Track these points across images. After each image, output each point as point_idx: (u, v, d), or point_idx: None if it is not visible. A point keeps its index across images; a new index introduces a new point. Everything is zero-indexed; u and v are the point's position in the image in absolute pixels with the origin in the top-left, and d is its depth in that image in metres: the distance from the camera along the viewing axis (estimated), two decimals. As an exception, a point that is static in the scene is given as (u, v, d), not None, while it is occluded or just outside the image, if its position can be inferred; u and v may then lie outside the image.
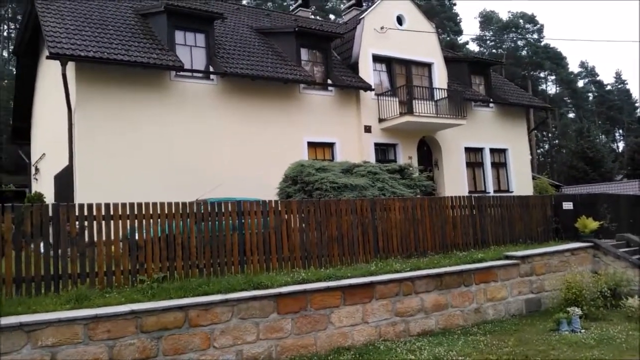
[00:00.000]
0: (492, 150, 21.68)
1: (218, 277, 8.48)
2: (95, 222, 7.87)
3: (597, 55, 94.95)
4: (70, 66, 13.48)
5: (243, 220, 9.02)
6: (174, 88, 14.75)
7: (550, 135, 67.46)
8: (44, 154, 18.30)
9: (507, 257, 11.06)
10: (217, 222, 8.74)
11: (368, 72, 18.14)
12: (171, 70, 14.38)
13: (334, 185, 12.21)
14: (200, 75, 15.21)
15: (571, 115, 71.48)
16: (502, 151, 22.08)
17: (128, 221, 8.06)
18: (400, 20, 19.46)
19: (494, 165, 21.73)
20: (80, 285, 7.53)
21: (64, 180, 14.22)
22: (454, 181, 19.91)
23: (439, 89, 19.32)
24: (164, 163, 14.12)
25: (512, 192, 21.36)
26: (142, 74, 14.16)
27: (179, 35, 15.12)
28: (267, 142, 15.80)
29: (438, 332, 9.41)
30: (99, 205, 7.92)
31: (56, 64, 13.06)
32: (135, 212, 8.14)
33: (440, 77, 20.00)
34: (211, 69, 15.20)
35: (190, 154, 14.56)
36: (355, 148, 17.54)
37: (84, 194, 12.58)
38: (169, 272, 8.25)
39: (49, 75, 16.14)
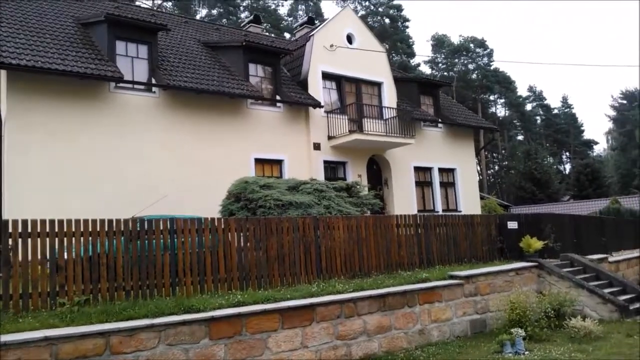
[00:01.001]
0: (441, 170, 21.81)
1: (147, 300, 7.94)
2: (10, 240, 7.23)
3: (544, 79, 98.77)
4: (2, 75, 12.73)
5: (176, 239, 8.52)
6: (114, 100, 14.12)
7: (499, 156, 69.22)
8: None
9: (452, 277, 10.90)
10: (146, 241, 8.21)
11: (317, 89, 17.98)
12: (110, 81, 13.77)
13: (278, 202, 11.84)
14: (142, 87, 14.64)
15: (520, 137, 73.64)
16: (451, 171, 22.26)
17: (47, 239, 7.44)
18: (350, 39, 19.45)
19: (443, 184, 21.86)
20: (-10, 309, 6.86)
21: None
22: (403, 200, 19.87)
23: (388, 107, 19.34)
24: (103, 178, 13.43)
25: (460, 211, 21.47)
26: (80, 85, 13.49)
27: (120, 46, 14.55)
28: (213, 157, 15.31)
29: (381, 355, 9.09)
30: (15, 222, 7.28)
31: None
32: (56, 230, 7.53)
33: (389, 97, 20.05)
34: (153, 81, 14.66)
35: (131, 169, 13.91)
36: (304, 165, 17.25)
37: (12, 212, 11.71)
38: (93, 295, 7.66)
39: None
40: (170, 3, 47.23)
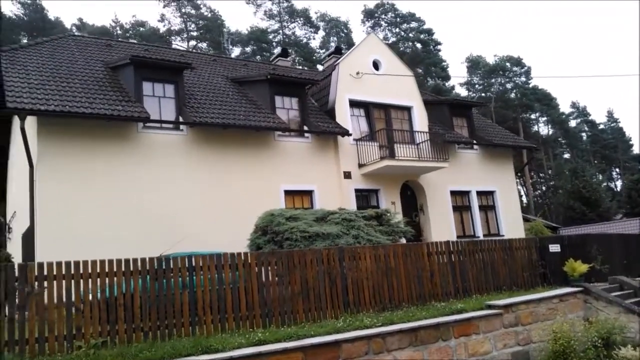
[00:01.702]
0: (480, 193, 21.10)
1: (166, 340, 7.73)
2: (27, 284, 7.19)
3: (587, 94, 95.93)
4: (32, 122, 13.08)
5: (195, 276, 8.33)
6: (142, 140, 14.29)
7: (546, 176, 67.15)
8: (15, 212, 17.67)
9: (489, 307, 10.29)
10: (164, 280, 8.04)
11: (345, 117, 17.79)
12: (137, 122, 13.95)
13: (304, 234, 11.55)
14: (169, 126, 14.79)
15: (566, 155, 71.49)
16: (490, 193, 21.50)
17: (64, 281, 7.37)
18: (376, 65, 19.28)
19: (482, 208, 21.11)
20: (7, 353, 6.78)
21: (29, 240, 13.55)
22: (440, 226, 19.23)
23: (419, 132, 18.93)
24: (132, 218, 13.48)
25: (502, 235, 20.63)
26: (108, 127, 13.72)
27: (147, 87, 14.79)
28: (242, 191, 15.22)
29: (414, 393, 8.56)
30: (31, 266, 7.25)
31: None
32: (72, 272, 7.46)
33: (420, 120, 19.65)
34: (180, 119, 14.79)
35: (160, 207, 13.93)
36: (335, 195, 16.96)
37: (44, 254, 11.80)
38: (110, 337, 7.50)
39: (18, 133, 15.73)
40: (204, 44, 48.55)
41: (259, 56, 50.73)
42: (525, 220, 32.92)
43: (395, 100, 19.35)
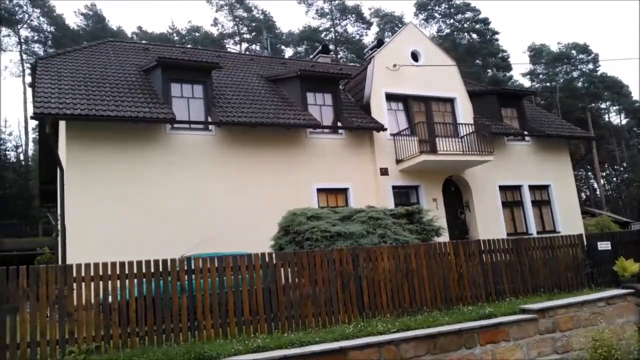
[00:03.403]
0: (532, 187, 19.76)
1: (163, 346, 7.46)
2: (18, 288, 7.11)
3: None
4: (63, 126, 13.31)
5: (195, 280, 8.02)
6: (171, 141, 14.25)
7: (620, 168, 62.97)
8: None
9: (523, 311, 9.38)
10: (161, 283, 7.78)
11: (381, 111, 17.08)
12: (163, 123, 13.92)
13: (325, 234, 11.01)
14: (198, 126, 14.68)
15: (644, 145, 66.80)
16: (544, 187, 20.10)
17: (56, 285, 7.24)
18: (415, 56, 18.44)
19: (536, 203, 19.76)
20: (-2, 359, 6.72)
21: (62, 242, 13.82)
22: (488, 223, 18.13)
23: (462, 124, 17.92)
24: (162, 219, 13.44)
25: (559, 232, 19.20)
26: (136, 129, 13.77)
27: (175, 88, 14.75)
28: (272, 191, 14.88)
29: (432, 407, 7.87)
30: (22, 270, 7.16)
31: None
32: (65, 275, 7.32)
33: (464, 112, 18.61)
34: (209, 120, 14.65)
35: (189, 207, 13.84)
36: (371, 193, 16.32)
37: (74, 256, 11.98)
38: (104, 342, 7.30)
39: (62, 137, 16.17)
40: (257, 46, 48.91)
41: (310, 56, 50.58)
42: (592, 215, 30.89)
43: (437, 92, 18.42)
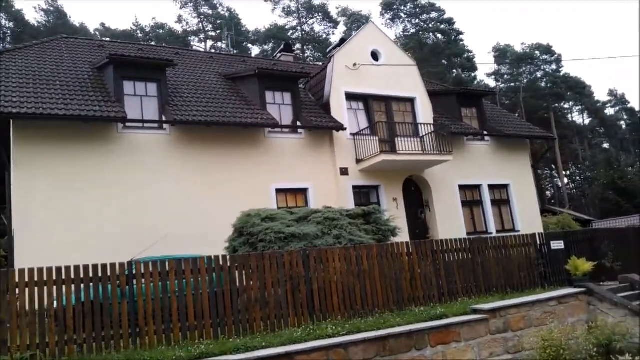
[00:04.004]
0: (492, 187, 19.95)
1: (102, 353, 7.17)
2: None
3: (625, 82, 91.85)
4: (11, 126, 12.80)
5: (137, 285, 7.75)
6: (123, 140, 13.84)
7: (583, 167, 64.43)
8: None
9: (475, 311, 9.39)
10: (100, 289, 7.48)
11: (341, 111, 16.98)
12: (114, 122, 13.51)
13: (279, 235, 10.83)
14: (153, 125, 14.31)
15: (606, 145, 68.45)
16: (504, 187, 20.33)
17: (-14, 293, 6.89)
18: (375, 55, 18.39)
19: (495, 202, 19.97)
20: None
21: (10, 246, 13.30)
22: (449, 222, 18.22)
23: (423, 124, 17.96)
24: (113, 220, 13.04)
25: (518, 231, 19.43)
26: (87, 128, 13.32)
27: (128, 86, 14.34)
28: (229, 192, 14.58)
29: (380, 411, 7.77)
30: (-52, 276, 6.80)
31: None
32: (-3, 282, 6.97)
33: (424, 112, 18.66)
34: (164, 119, 14.30)
35: (142, 208, 13.46)
36: (331, 193, 16.19)
37: (22, 260, 11.50)
38: (40, 350, 6.98)
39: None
40: (222, 43, 48.34)
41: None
42: (553, 213, 31.41)
43: (397, 91, 18.42)
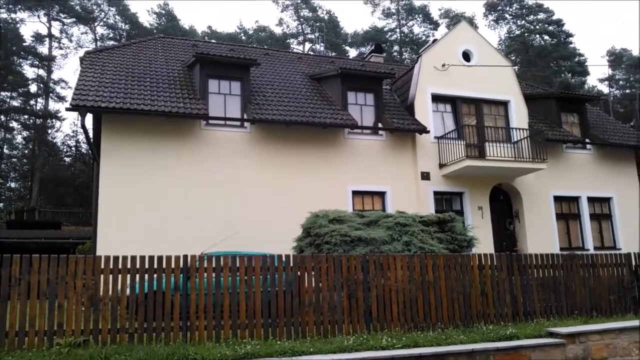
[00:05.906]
0: (592, 199, 18.32)
1: (154, 344, 7.26)
2: (11, 277, 7.13)
3: None
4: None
5: (190, 279, 7.77)
6: (206, 137, 14.21)
7: None
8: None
9: (551, 335, 8.49)
10: (155, 280, 7.58)
11: (426, 113, 16.31)
12: (196, 119, 13.88)
13: (345, 238, 10.51)
14: (235, 123, 14.55)
15: None
16: (605, 200, 18.58)
17: (48, 276, 7.20)
18: (467, 56, 17.50)
19: (595, 217, 18.29)
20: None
21: (94, 233, 14.11)
22: (540, 236, 16.93)
23: (515, 128, 16.82)
24: (192, 214, 13.46)
25: (619, 249, 17.71)
26: (171, 124, 13.82)
27: (212, 84, 14.72)
28: (305, 191, 14.51)
29: None
30: (15, 259, 7.18)
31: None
32: (58, 267, 7.26)
33: (519, 116, 17.47)
34: (245, 117, 14.48)
35: (219, 203, 13.77)
36: (410, 197, 15.60)
37: (105, 247, 12.14)
38: (93, 336, 7.19)
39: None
40: (321, 46, 48.74)
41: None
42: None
43: (489, 94, 17.42)
